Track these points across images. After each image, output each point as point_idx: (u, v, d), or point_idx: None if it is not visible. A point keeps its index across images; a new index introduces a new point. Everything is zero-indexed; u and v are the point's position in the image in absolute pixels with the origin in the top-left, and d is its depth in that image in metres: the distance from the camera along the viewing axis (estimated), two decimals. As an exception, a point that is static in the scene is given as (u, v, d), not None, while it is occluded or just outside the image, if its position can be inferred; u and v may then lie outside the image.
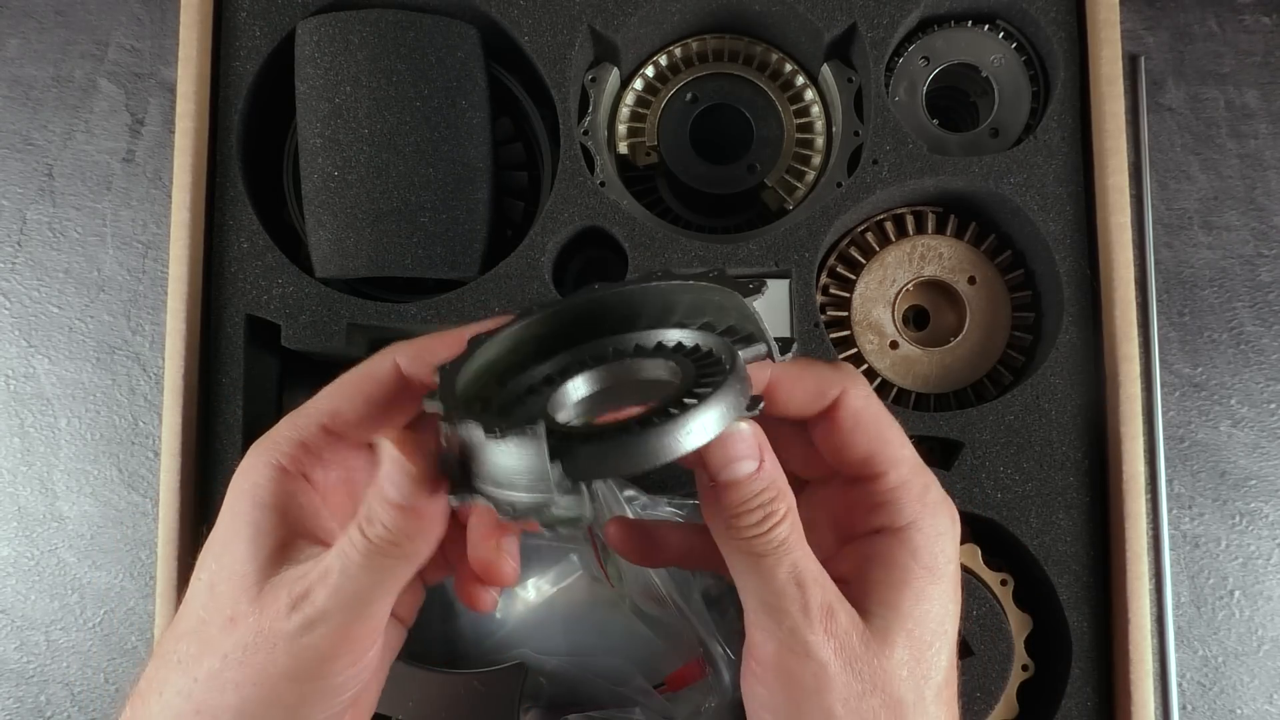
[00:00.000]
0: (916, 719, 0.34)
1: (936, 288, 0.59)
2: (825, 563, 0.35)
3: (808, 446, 0.38)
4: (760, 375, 0.36)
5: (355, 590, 0.34)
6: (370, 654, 0.36)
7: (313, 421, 0.37)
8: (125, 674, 0.66)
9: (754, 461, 0.34)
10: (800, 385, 0.36)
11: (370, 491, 0.34)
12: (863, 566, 0.35)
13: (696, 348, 0.35)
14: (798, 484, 0.37)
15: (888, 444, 0.36)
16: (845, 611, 0.34)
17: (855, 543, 0.36)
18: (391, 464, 0.33)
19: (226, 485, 0.56)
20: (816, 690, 0.34)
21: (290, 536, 0.36)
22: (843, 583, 0.35)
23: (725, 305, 0.35)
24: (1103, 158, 0.55)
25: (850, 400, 0.36)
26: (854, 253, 0.59)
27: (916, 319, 0.61)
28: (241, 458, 0.56)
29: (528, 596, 0.54)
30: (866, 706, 0.34)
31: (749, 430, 0.34)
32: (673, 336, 0.36)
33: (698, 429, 0.30)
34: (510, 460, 0.29)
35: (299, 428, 0.37)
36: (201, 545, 0.38)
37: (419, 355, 0.37)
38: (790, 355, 0.33)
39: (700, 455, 0.33)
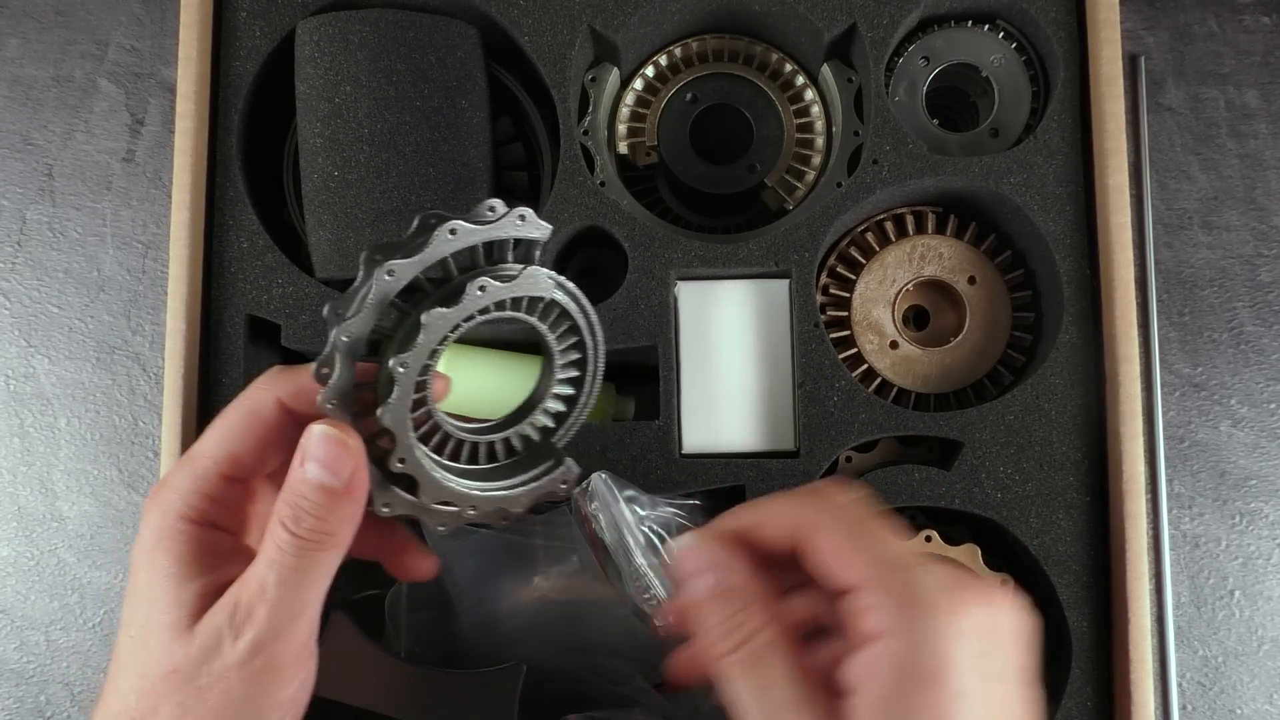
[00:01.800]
0: None
1: (936, 288, 0.59)
2: (836, 667, 0.33)
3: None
4: (737, 523, 0.37)
5: (293, 596, 0.35)
6: (313, 649, 0.38)
7: (212, 472, 0.38)
8: (125, 674, 0.66)
9: (709, 576, 0.35)
10: (774, 528, 0.36)
11: (290, 491, 0.36)
12: (868, 676, 0.32)
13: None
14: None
15: (860, 560, 0.34)
16: None
17: (860, 650, 0.33)
18: (329, 444, 0.36)
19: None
20: None
21: (217, 578, 0.37)
22: (849, 694, 0.33)
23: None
24: (1103, 158, 0.55)
25: (822, 542, 0.35)
26: (854, 253, 0.59)
27: (916, 319, 0.61)
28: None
29: (528, 597, 0.54)
30: None
31: (692, 543, 0.36)
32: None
33: None
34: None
35: (199, 479, 0.38)
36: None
37: (301, 391, 0.38)
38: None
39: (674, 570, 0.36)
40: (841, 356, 0.57)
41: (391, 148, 0.54)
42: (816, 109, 0.61)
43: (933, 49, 0.60)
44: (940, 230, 0.59)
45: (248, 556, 0.37)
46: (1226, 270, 0.66)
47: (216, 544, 0.38)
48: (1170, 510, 0.65)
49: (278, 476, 0.39)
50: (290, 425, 0.38)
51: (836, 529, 0.35)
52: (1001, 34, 0.60)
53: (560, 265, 0.60)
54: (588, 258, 0.61)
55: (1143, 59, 0.67)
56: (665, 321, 0.55)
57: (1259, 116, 0.67)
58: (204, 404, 0.56)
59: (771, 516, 0.37)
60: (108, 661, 0.66)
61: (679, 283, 0.57)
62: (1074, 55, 0.58)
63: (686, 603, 0.35)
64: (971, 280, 0.59)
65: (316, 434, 0.36)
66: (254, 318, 0.56)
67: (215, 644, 0.35)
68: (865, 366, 0.58)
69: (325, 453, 0.36)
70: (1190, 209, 0.67)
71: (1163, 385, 0.65)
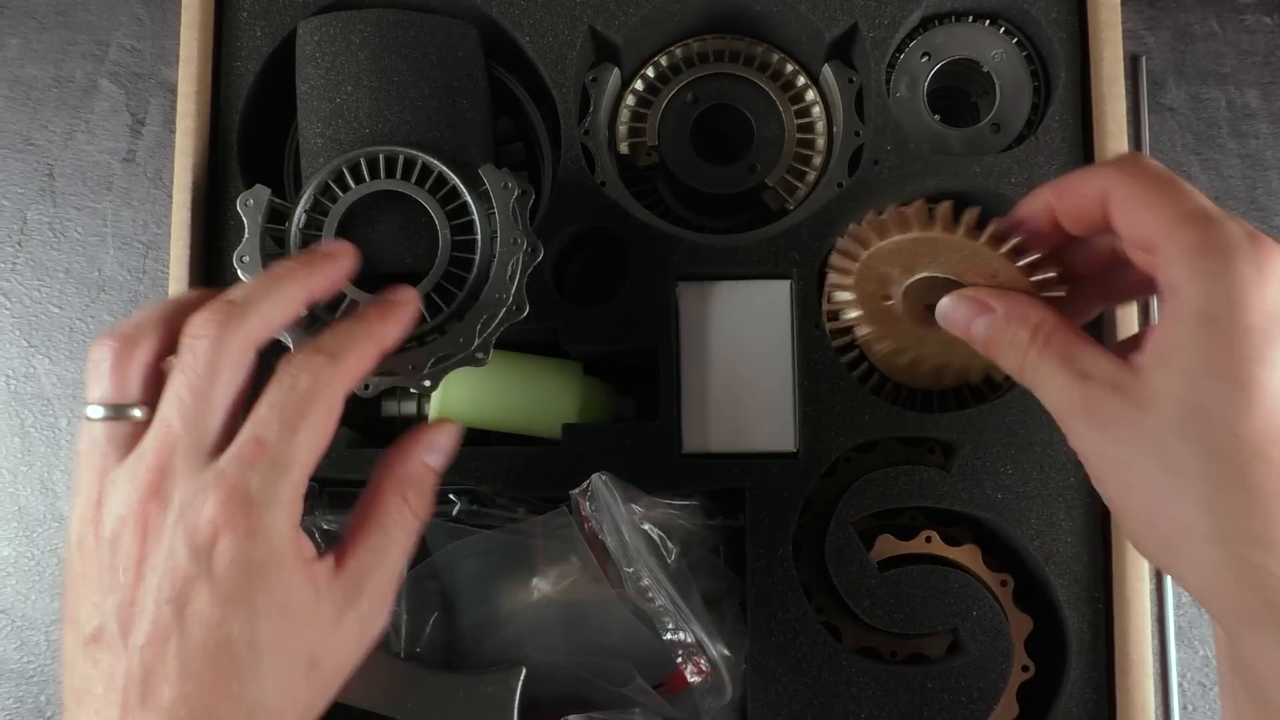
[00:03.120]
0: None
1: (935, 287, 0.59)
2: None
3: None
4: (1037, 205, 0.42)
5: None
6: None
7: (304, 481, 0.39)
8: (126, 674, 0.66)
9: (981, 316, 0.42)
10: (1072, 212, 0.40)
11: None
12: (1167, 322, 0.35)
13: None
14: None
15: (1161, 214, 0.35)
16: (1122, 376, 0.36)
17: (1165, 307, 0.36)
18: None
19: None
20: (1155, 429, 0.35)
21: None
22: (1153, 353, 0.36)
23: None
24: (1104, 158, 0.55)
25: (1116, 207, 0.37)
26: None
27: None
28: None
29: (528, 597, 0.54)
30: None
31: (952, 302, 0.44)
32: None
33: None
34: None
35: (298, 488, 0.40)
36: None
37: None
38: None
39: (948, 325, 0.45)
40: (844, 359, 0.57)
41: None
42: (817, 109, 0.61)
43: (934, 44, 0.60)
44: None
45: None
46: (1227, 270, 0.66)
47: None
48: (1171, 511, 0.65)
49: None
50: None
51: (1145, 193, 0.36)
52: (1003, 29, 0.60)
53: (561, 266, 0.60)
54: (588, 258, 0.61)
55: (1144, 59, 0.67)
56: (665, 322, 0.55)
57: (1260, 116, 0.67)
58: (204, 404, 0.56)
59: (1082, 178, 0.39)
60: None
61: (679, 283, 0.57)
62: (1075, 55, 0.58)
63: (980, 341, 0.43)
64: (973, 280, 0.59)
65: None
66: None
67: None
68: (865, 365, 0.58)
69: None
70: (1191, 209, 0.67)
71: (1163, 385, 0.65)
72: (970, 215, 0.45)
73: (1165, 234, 0.35)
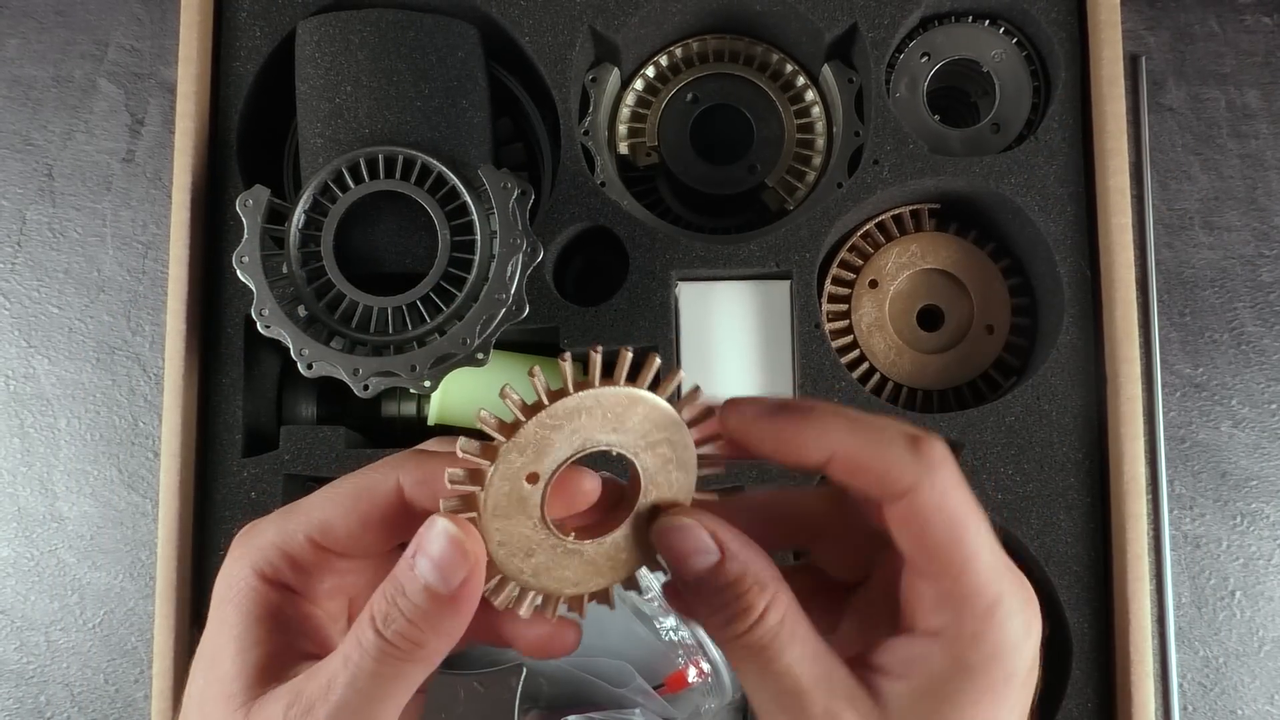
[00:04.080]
0: None
1: (936, 287, 0.59)
2: (873, 648, 0.32)
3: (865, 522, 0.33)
4: (821, 441, 0.31)
5: (363, 705, 0.31)
6: None
7: (300, 533, 0.33)
8: (125, 674, 0.66)
9: (711, 555, 0.31)
10: (867, 467, 0.31)
11: (389, 585, 0.31)
12: (914, 664, 0.31)
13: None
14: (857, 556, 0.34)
15: (962, 542, 0.31)
16: (856, 714, 0.30)
17: (912, 636, 0.32)
18: (447, 542, 0.31)
19: (226, 485, 0.56)
20: None
21: (282, 649, 0.33)
22: (884, 674, 0.31)
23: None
24: (1104, 158, 0.55)
25: (924, 499, 0.31)
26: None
27: (916, 318, 0.60)
28: (240, 458, 0.56)
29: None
30: None
31: (691, 523, 0.32)
32: None
33: None
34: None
35: (286, 536, 0.34)
36: (207, 582, 0.36)
37: (426, 480, 0.33)
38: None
39: (663, 552, 0.32)
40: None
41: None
42: (817, 109, 0.61)
43: (934, 45, 0.60)
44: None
45: (323, 636, 0.34)
46: (1227, 270, 0.66)
47: (290, 612, 0.33)
48: (1171, 511, 0.65)
49: (379, 567, 0.35)
50: (404, 514, 0.34)
51: (957, 506, 0.31)
52: (1003, 29, 0.60)
53: (561, 265, 0.60)
54: (588, 258, 0.61)
55: (1144, 59, 0.67)
56: (666, 322, 0.55)
57: (1260, 117, 0.67)
58: (204, 404, 0.56)
59: (878, 461, 0.31)
60: (108, 661, 0.66)
61: (680, 283, 0.57)
62: (1075, 55, 0.58)
63: (679, 587, 0.32)
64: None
65: (438, 528, 0.31)
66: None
67: None
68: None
69: (440, 551, 0.31)
70: (1191, 209, 0.67)
71: (1163, 386, 0.65)
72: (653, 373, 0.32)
73: (982, 575, 0.31)
